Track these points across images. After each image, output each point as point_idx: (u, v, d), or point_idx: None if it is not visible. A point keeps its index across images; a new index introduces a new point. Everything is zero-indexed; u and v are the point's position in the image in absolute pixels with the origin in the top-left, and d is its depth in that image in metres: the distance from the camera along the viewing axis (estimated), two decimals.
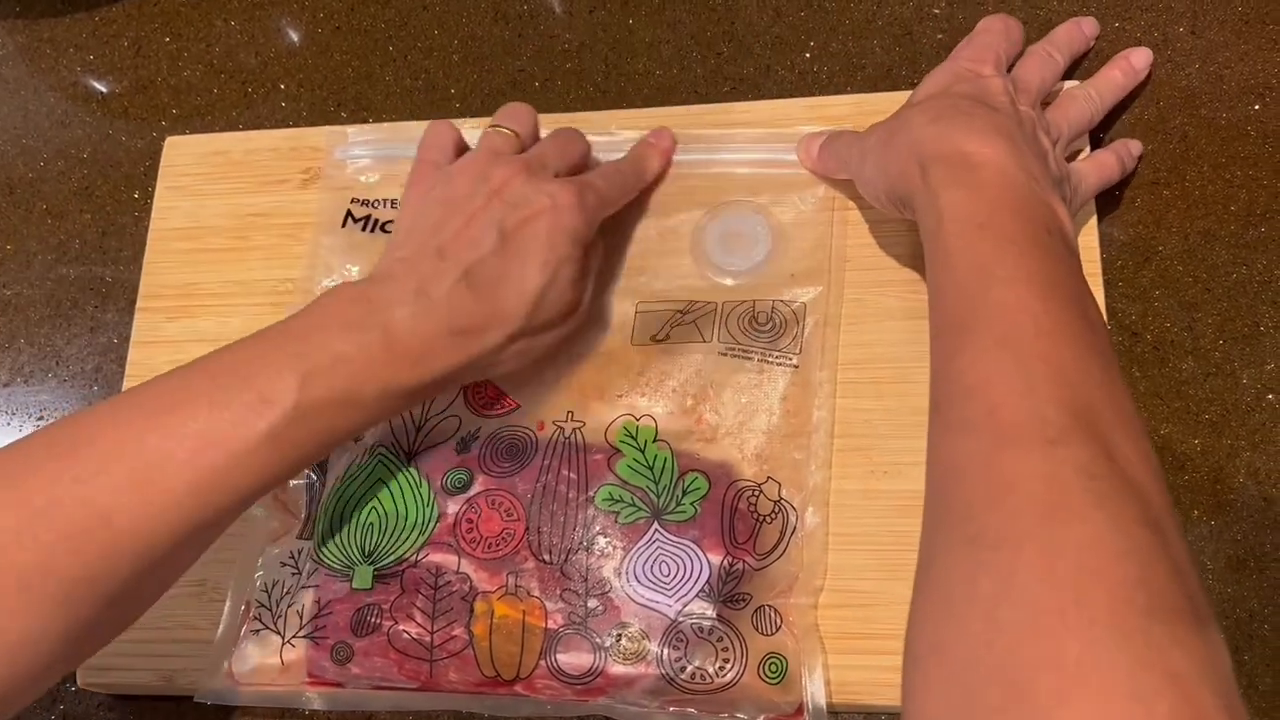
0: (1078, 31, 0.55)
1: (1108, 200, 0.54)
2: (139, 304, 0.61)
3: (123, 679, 0.54)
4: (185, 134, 0.64)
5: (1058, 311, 0.38)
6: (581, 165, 0.54)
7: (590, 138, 0.56)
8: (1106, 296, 0.53)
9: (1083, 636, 0.29)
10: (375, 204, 0.58)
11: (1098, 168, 0.52)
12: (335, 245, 0.58)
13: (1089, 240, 0.53)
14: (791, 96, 0.59)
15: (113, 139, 0.67)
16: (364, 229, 0.58)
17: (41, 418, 0.62)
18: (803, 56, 0.61)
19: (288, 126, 0.64)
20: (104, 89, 0.68)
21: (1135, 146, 0.54)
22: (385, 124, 0.62)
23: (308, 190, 0.61)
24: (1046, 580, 0.31)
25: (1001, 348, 0.37)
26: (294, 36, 0.67)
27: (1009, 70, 0.51)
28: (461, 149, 0.53)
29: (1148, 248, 0.54)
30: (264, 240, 0.60)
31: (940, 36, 0.59)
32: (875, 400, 0.51)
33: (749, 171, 0.56)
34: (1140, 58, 0.55)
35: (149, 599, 0.44)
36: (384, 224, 0.58)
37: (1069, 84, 0.54)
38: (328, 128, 0.62)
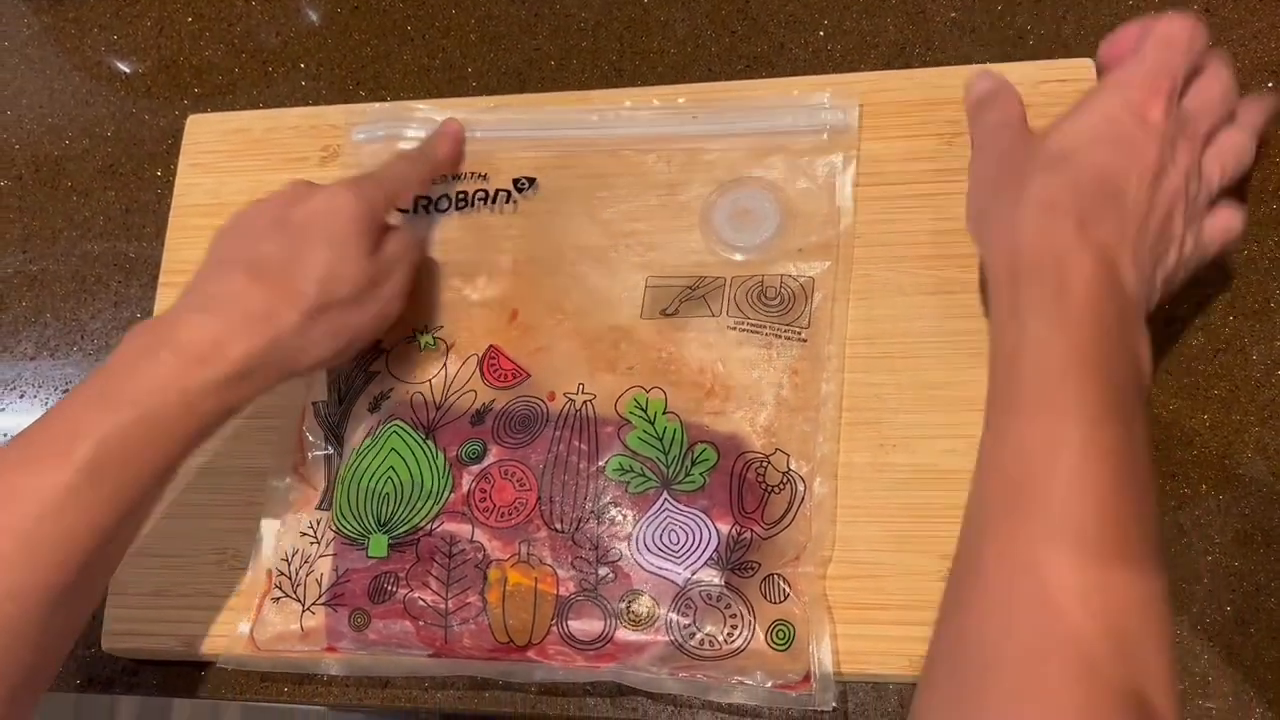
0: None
1: None
2: (161, 279, 0.62)
3: (145, 644, 0.55)
4: (207, 112, 0.65)
5: (1125, 507, 0.37)
6: None
7: (602, 113, 0.58)
8: None
9: None
10: None
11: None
12: None
13: None
14: (805, 74, 0.59)
15: (136, 117, 0.68)
16: None
17: (67, 390, 0.63)
18: (816, 35, 0.61)
19: (308, 105, 0.65)
20: (127, 69, 0.69)
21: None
22: (403, 103, 0.63)
23: (327, 168, 0.61)
24: None
25: (1060, 540, 0.36)
26: (314, 16, 0.68)
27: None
28: None
29: None
30: None
31: (954, 14, 0.60)
32: (885, 375, 0.52)
33: (758, 144, 0.56)
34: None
35: (17, 677, 0.42)
36: None
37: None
38: (346, 106, 0.63)
